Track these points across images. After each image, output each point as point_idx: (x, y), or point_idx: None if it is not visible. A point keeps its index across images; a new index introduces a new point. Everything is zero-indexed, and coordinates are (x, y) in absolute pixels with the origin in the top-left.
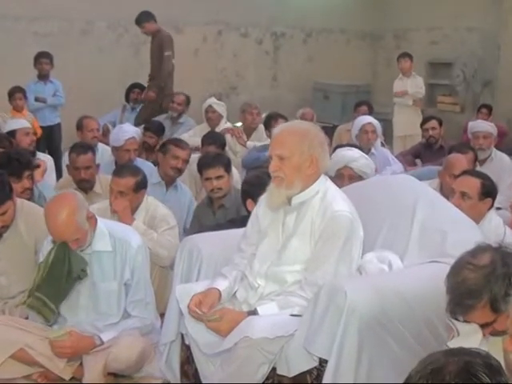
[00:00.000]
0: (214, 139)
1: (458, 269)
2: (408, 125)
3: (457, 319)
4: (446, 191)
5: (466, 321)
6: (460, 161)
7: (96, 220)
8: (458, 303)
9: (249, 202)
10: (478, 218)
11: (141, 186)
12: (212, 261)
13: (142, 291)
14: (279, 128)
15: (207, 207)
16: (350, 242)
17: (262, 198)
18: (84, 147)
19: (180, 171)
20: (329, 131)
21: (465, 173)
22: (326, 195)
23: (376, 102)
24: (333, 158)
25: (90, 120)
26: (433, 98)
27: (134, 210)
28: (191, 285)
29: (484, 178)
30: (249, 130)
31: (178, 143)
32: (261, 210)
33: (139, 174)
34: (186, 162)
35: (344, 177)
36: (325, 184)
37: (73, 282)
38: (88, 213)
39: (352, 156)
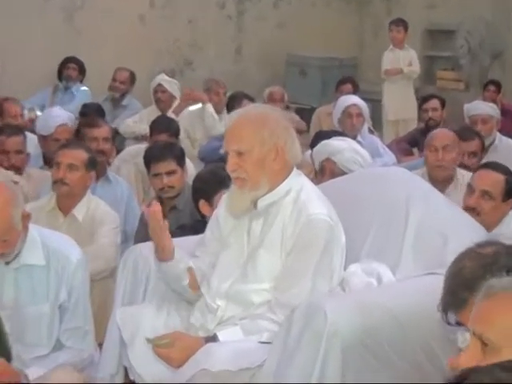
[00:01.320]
0: (165, 125)
1: (459, 257)
2: (401, 106)
3: (449, 322)
4: (431, 174)
5: (458, 322)
6: (443, 132)
7: (28, 224)
8: (451, 293)
9: (202, 203)
10: (496, 221)
11: (93, 164)
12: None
13: (80, 317)
14: (231, 117)
15: None
16: (330, 252)
17: (225, 198)
18: (15, 128)
19: (105, 153)
20: (306, 114)
21: (485, 166)
22: (300, 195)
23: (362, 78)
24: (316, 148)
25: (11, 103)
26: (431, 73)
27: (75, 201)
28: (136, 308)
29: (507, 172)
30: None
31: (91, 122)
32: (222, 214)
33: (91, 151)
34: (108, 140)
35: (325, 171)
36: (298, 180)
37: None
38: (23, 211)
39: (336, 147)
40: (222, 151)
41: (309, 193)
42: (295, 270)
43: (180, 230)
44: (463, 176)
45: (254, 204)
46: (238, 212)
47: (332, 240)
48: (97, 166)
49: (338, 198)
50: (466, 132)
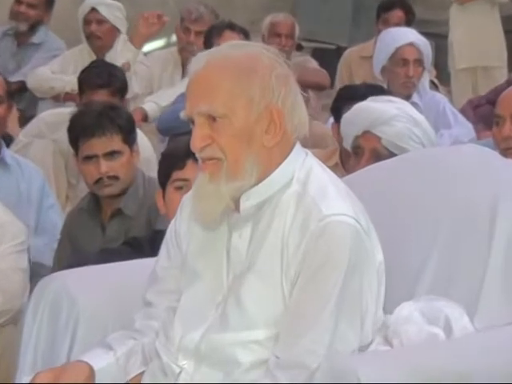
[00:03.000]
0: (102, 77)
1: None
2: (481, 47)
3: None
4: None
5: None
6: None
7: None
8: None
9: (159, 194)
10: None
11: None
12: (96, 322)
13: None
14: (198, 61)
15: (89, 216)
16: (358, 277)
17: (186, 200)
18: None
19: None
20: (329, 59)
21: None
22: (308, 186)
23: (419, 0)
24: (346, 115)
25: None
26: None
27: None
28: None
29: None
30: (186, 62)
31: None
32: (184, 225)
33: None
34: (2, 101)
35: (362, 152)
36: (303, 164)
37: None
38: None
39: (381, 113)
40: (182, 115)
41: (322, 182)
42: (305, 308)
43: (128, 248)
44: None
45: (236, 204)
46: (210, 218)
47: (361, 257)
48: (12, 105)
49: (378, 196)
50: None
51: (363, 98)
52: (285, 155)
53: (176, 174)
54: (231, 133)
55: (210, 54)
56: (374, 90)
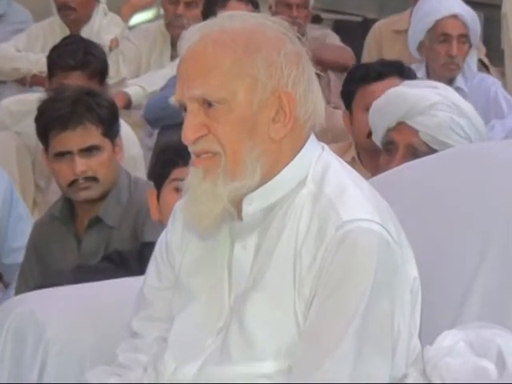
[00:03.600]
0: (77, 56)
1: None
2: None
3: None
4: None
5: None
6: None
7: None
8: None
9: (151, 193)
10: None
11: None
12: (70, 355)
13: None
14: (191, 35)
15: (61, 225)
16: (387, 297)
17: (179, 207)
18: None
19: None
20: (353, 33)
21: None
22: (324, 186)
23: None
24: (377, 103)
25: None
26: None
27: None
28: None
29: None
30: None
31: None
32: (177, 236)
33: None
34: None
35: (396, 148)
36: (319, 159)
37: None
38: None
39: (418, 101)
40: (172, 100)
41: (341, 182)
42: (323, 334)
43: (109, 264)
44: None
45: (238, 209)
46: (204, 222)
47: (391, 272)
48: None
49: (412, 202)
50: None
51: (379, 78)
52: (296, 149)
53: (177, 173)
54: (230, 121)
55: (204, 26)
56: (391, 68)
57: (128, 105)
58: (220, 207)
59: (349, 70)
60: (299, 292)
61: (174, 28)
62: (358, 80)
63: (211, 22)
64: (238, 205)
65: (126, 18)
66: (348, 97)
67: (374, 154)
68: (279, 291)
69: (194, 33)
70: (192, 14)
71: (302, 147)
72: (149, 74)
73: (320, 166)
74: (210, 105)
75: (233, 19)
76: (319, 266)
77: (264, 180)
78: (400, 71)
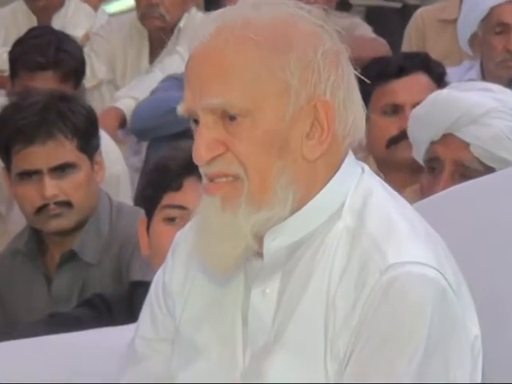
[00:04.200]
0: (48, 53)
1: None
2: None
3: None
4: None
5: None
6: None
7: None
8: None
9: (143, 222)
10: None
11: None
12: None
13: None
14: (205, 26)
15: (26, 262)
16: (442, 358)
17: (182, 239)
18: None
19: None
20: (389, 22)
21: None
22: (365, 219)
23: None
24: (416, 111)
25: None
26: None
27: None
28: None
29: None
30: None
31: None
32: (178, 276)
33: None
34: None
35: (442, 166)
36: (359, 184)
37: None
38: None
39: (472, 106)
40: (179, 109)
41: (387, 213)
42: None
43: (88, 310)
44: None
45: (258, 245)
46: (223, 266)
47: (448, 328)
48: None
49: (465, 235)
50: None
51: (400, 74)
52: (332, 172)
53: (168, 198)
54: (255, 138)
55: (222, 17)
56: (415, 61)
57: (123, 123)
58: (242, 245)
59: (365, 66)
60: (332, 348)
61: (149, 20)
62: (374, 77)
63: (231, 12)
64: (258, 239)
65: (94, 6)
66: (362, 98)
67: (397, 169)
68: (307, 347)
69: (209, 24)
70: (170, 2)
71: (338, 169)
72: (137, 80)
73: (360, 194)
74: (230, 118)
75: (259, 8)
76: (359, 319)
77: (293, 210)
78: (426, 65)
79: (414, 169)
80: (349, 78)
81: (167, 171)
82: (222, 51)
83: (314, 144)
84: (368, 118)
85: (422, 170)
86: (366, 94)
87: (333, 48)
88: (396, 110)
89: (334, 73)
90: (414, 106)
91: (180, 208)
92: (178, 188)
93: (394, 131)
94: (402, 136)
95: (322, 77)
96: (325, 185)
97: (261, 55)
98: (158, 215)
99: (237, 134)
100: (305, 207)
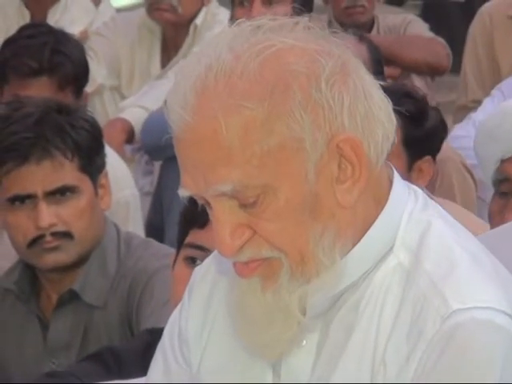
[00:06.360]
0: (43, 55)
1: None
2: None
3: None
4: None
5: None
6: None
7: None
8: None
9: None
10: None
11: None
12: None
13: None
14: (182, 104)
15: (18, 304)
16: None
17: (200, 278)
18: None
19: None
20: (450, 19)
21: None
22: (421, 256)
23: None
24: (480, 127)
25: None
26: None
27: None
28: None
29: None
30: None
31: None
32: (194, 322)
33: None
34: None
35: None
36: (411, 215)
37: None
38: None
39: None
40: (181, 194)
41: (450, 250)
42: None
43: (95, 365)
44: None
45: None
46: (279, 353)
47: None
48: None
49: None
50: None
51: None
52: (378, 206)
53: (193, 235)
54: (281, 212)
55: (198, 79)
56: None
57: (130, 137)
58: (293, 325)
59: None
60: None
61: (157, 12)
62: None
63: (206, 71)
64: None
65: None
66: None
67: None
68: None
69: (188, 92)
70: None
71: (385, 201)
72: (147, 87)
73: (415, 227)
74: (244, 202)
75: (236, 52)
76: (414, 373)
77: (333, 262)
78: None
79: None
80: (363, 83)
81: (196, 203)
82: (215, 132)
83: (348, 186)
84: None
85: None
86: None
87: (337, 63)
88: None
89: (347, 92)
90: None
91: (201, 249)
92: (204, 225)
93: None
94: None
95: (334, 109)
96: (372, 223)
97: (258, 119)
98: (181, 253)
99: (259, 214)
100: (350, 253)
